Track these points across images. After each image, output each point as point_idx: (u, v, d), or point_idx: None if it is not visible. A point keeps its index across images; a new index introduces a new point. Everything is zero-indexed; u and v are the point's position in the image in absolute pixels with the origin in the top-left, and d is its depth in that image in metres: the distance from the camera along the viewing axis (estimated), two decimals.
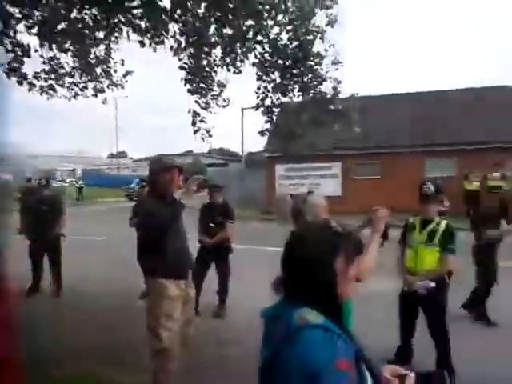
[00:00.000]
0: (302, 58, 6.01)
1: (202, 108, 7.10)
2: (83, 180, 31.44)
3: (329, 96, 6.47)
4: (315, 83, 6.48)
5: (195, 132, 7.14)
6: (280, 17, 5.64)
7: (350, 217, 2.99)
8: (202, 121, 7.17)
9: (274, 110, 7.01)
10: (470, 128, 15.78)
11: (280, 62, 6.32)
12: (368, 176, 16.98)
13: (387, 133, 16.59)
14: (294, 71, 6.26)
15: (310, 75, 6.42)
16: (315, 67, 6.34)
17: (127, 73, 7.42)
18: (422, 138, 16.07)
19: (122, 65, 7.29)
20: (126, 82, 7.47)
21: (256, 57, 6.37)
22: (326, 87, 6.51)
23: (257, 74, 6.58)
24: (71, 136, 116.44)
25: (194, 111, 7.03)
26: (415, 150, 16.00)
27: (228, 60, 6.54)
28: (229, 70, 6.68)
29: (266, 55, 6.24)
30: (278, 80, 6.59)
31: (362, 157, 16.98)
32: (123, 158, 61.71)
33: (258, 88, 6.73)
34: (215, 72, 6.80)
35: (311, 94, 6.58)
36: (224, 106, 7.39)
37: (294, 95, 6.70)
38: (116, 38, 6.51)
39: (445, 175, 13.89)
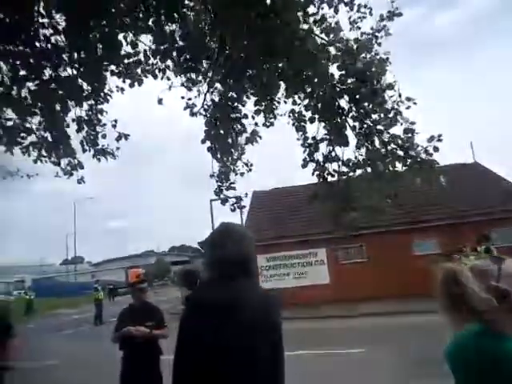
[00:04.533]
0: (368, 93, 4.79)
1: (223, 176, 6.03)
2: (34, 291, 28.94)
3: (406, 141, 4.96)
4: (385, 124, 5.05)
5: (223, 202, 6.13)
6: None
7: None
8: (230, 187, 6.10)
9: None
10: None
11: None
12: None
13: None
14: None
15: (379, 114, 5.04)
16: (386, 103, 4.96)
17: (121, 136, 5.78)
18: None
19: (114, 127, 5.81)
20: (119, 149, 5.88)
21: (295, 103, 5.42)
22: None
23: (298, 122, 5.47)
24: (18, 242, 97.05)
25: (221, 177, 6.01)
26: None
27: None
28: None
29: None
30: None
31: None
32: (80, 264, 57.94)
33: (305, 143, 5.52)
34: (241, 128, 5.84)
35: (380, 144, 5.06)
36: (248, 171, 6.40)
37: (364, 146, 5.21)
38: (105, 94, 5.51)
39: None
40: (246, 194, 6.41)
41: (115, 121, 6.00)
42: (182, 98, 5.94)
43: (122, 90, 5.99)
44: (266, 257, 16.65)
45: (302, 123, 5.59)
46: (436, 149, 4.94)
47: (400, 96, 5.06)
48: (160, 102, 5.83)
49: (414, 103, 5.00)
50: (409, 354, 7.06)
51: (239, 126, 5.87)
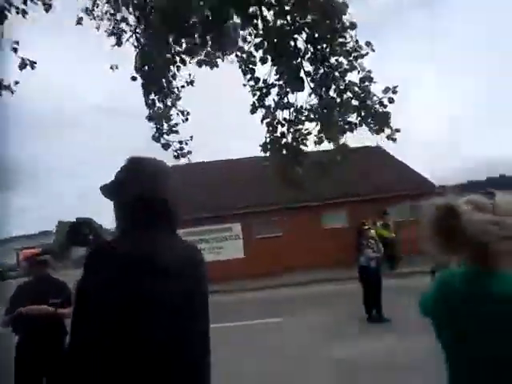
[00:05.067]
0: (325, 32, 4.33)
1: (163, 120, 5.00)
2: None
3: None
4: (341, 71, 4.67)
5: (165, 147, 5.26)
6: None
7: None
8: (172, 131, 5.25)
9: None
10: None
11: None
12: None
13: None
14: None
15: (338, 56, 4.56)
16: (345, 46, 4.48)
17: (25, 64, 4.63)
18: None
19: (15, 51, 4.58)
20: (18, 83, 4.61)
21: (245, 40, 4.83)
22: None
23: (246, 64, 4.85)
24: None
25: (161, 117, 5.07)
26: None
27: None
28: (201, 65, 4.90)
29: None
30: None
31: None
32: None
33: (255, 86, 4.93)
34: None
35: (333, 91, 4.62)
36: (184, 120, 5.43)
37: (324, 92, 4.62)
38: None
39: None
40: (192, 137, 5.54)
41: (16, 43, 4.71)
42: (100, 19, 4.84)
43: (24, 12, 4.74)
44: (182, 232, 15.82)
45: (251, 65, 4.97)
46: (391, 100, 4.78)
47: (357, 42, 4.77)
48: (79, 21, 4.69)
49: (373, 50, 4.76)
50: (322, 321, 7.42)
51: (178, 63, 5.02)
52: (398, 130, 4.96)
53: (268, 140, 5.06)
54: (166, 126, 5.17)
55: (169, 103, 5.29)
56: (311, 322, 7.55)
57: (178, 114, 5.42)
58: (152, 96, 5.07)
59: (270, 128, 5.05)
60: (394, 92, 4.80)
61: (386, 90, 4.78)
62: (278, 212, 16.25)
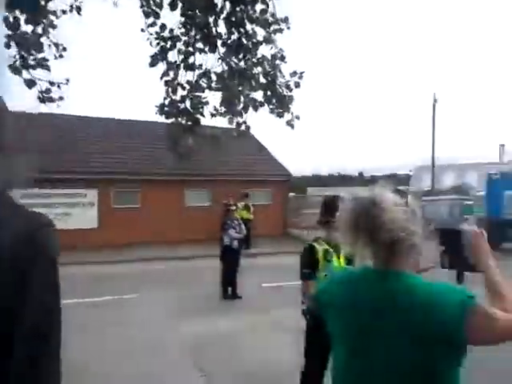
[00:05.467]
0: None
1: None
2: None
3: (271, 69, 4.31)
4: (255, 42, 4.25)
5: (29, 84, 4.07)
6: None
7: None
8: (42, 64, 4.08)
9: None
10: None
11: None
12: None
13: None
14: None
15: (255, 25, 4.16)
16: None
17: None
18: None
19: None
20: None
21: None
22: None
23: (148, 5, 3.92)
24: None
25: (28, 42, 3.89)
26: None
27: None
28: None
29: None
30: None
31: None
32: None
33: (159, 35, 4.06)
34: None
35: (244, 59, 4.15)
36: (58, 57, 4.32)
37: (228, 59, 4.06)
38: None
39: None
40: (68, 80, 4.38)
41: None
42: None
43: None
44: (20, 193, 13.23)
45: (156, 8, 4.20)
46: (297, 84, 4.67)
47: (274, 16, 4.48)
48: None
49: (288, 27, 4.54)
50: (176, 297, 7.42)
51: None
52: (297, 117, 4.92)
53: (166, 102, 4.39)
54: (32, 58, 3.95)
55: (39, 30, 4.10)
56: (166, 298, 7.40)
57: (49, 46, 4.26)
58: (17, 13, 3.83)
59: (170, 88, 4.39)
60: (301, 77, 4.71)
61: (294, 74, 4.66)
62: (140, 183, 15.21)
